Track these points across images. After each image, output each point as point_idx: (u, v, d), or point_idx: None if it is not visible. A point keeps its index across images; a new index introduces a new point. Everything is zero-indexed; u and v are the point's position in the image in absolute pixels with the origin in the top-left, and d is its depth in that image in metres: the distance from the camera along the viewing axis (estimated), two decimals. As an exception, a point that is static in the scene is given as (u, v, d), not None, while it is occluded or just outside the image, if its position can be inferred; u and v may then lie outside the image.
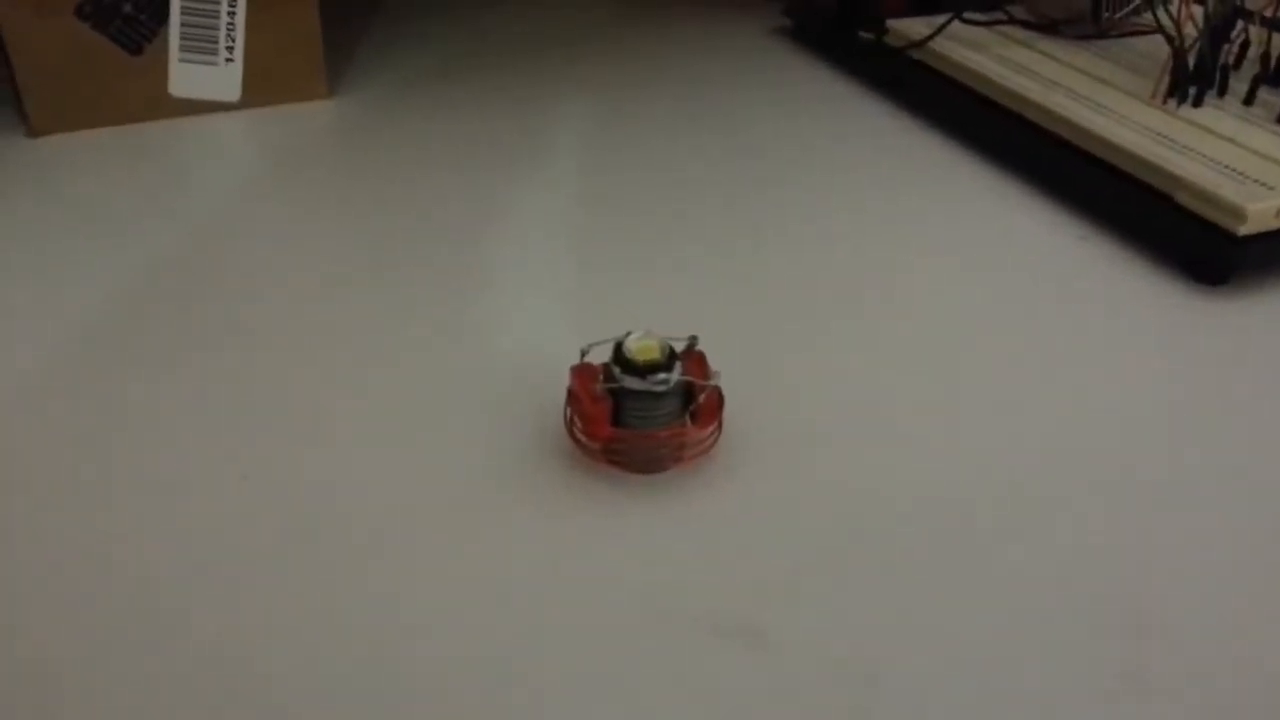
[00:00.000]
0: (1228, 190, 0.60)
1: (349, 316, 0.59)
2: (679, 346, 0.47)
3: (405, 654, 0.39)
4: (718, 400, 0.47)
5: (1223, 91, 0.74)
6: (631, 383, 0.45)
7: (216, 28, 0.81)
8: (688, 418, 0.46)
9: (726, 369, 0.47)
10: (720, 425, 0.48)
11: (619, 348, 0.46)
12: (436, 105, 0.87)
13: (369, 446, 0.49)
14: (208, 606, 0.41)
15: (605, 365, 0.46)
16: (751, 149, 0.79)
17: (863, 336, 0.58)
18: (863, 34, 0.90)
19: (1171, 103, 0.72)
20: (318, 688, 0.38)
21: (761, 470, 0.48)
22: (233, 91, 0.83)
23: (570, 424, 0.48)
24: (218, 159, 0.79)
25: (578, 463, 0.48)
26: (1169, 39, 0.72)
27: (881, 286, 0.62)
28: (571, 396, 0.47)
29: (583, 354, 0.47)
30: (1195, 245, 0.62)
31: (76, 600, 0.41)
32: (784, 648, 0.39)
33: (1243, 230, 0.59)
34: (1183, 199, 0.63)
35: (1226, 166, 0.63)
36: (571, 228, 0.69)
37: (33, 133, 0.79)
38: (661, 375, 0.45)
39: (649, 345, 0.46)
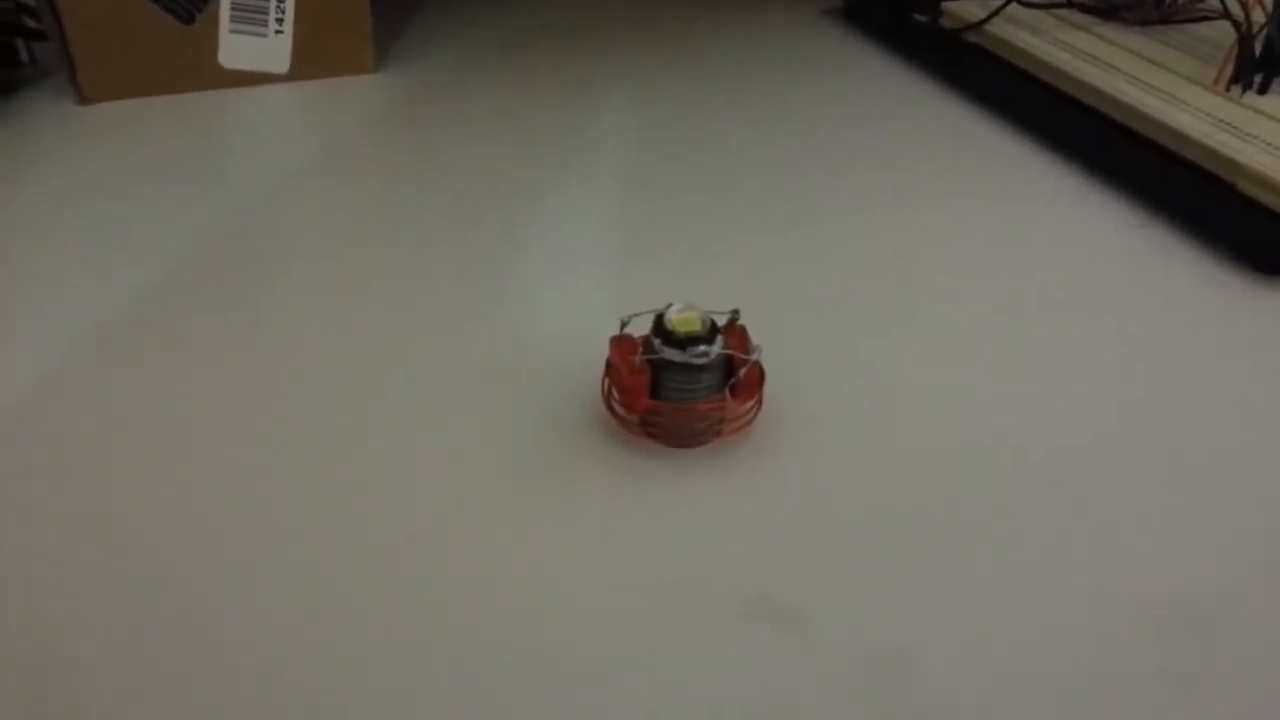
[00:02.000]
0: (1293, 178, 0.59)
1: (389, 288, 0.59)
2: (721, 320, 0.46)
3: (439, 628, 0.38)
4: (758, 375, 0.46)
5: (1290, 79, 0.72)
6: (671, 354, 0.44)
7: (267, 0, 0.81)
8: (727, 392, 0.45)
9: (769, 345, 0.46)
10: (760, 401, 0.47)
11: (660, 319, 0.45)
12: (482, 84, 0.86)
13: (405, 418, 0.49)
14: (239, 582, 0.41)
15: (645, 337, 0.45)
16: (800, 132, 0.78)
17: (909, 319, 0.56)
18: (917, 16, 0.88)
19: (1236, 89, 0.70)
20: (352, 668, 0.37)
21: (800, 448, 0.47)
22: (281, 63, 0.84)
23: (608, 396, 0.47)
24: (264, 130, 0.79)
25: (614, 435, 0.47)
26: (1235, 24, 0.69)
27: (930, 270, 0.61)
28: (610, 368, 0.46)
29: (623, 325, 0.47)
30: (1257, 234, 0.60)
31: (96, 583, 0.41)
32: (817, 629, 0.38)
33: (1308, 219, 0.57)
34: (1245, 187, 0.61)
35: (1292, 154, 0.62)
36: (616, 205, 0.68)
37: (83, 100, 0.80)
38: (702, 348, 0.44)
39: (690, 317, 0.45)
